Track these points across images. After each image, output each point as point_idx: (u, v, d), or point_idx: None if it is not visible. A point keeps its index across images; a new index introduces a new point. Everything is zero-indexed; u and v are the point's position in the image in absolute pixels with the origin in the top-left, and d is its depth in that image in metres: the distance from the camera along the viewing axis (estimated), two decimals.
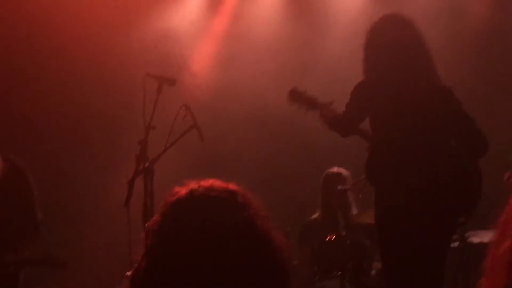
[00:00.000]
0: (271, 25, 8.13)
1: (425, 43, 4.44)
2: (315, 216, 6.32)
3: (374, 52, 4.44)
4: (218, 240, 1.74)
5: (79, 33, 7.75)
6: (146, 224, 1.88)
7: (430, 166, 4.27)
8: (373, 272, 5.56)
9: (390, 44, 4.39)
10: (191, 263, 1.71)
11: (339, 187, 5.93)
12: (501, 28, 7.63)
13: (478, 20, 7.68)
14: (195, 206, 1.79)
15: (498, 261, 0.90)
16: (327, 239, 5.52)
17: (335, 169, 6.28)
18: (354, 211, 6.14)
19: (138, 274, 1.79)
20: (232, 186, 1.85)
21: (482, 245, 5.49)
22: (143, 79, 4.89)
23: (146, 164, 4.85)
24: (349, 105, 4.45)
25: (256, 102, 7.80)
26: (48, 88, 7.74)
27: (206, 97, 7.91)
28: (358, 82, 4.47)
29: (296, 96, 4.85)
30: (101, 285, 6.71)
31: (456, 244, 5.60)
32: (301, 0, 8.16)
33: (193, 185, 1.83)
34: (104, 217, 7.18)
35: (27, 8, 7.62)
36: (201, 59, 8.14)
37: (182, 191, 1.83)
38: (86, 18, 7.73)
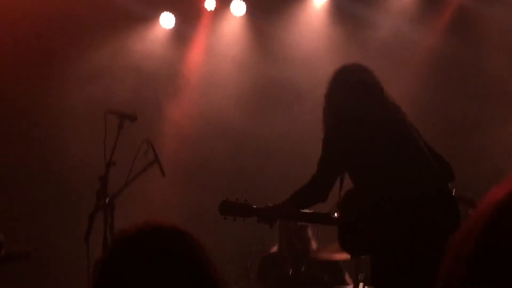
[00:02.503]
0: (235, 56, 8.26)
1: (380, 83, 4.41)
2: (273, 250, 6.34)
3: (340, 98, 4.33)
4: (163, 270, 1.79)
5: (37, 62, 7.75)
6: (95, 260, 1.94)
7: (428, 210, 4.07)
8: None
9: (355, 87, 4.32)
10: None
11: (298, 223, 5.96)
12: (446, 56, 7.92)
13: (425, 49, 7.98)
14: (139, 239, 1.86)
15: None
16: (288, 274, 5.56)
17: None
18: (314, 246, 6.17)
19: None
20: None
21: None
22: (104, 116, 4.93)
23: (107, 199, 4.87)
24: (324, 160, 4.22)
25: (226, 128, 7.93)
26: (7, 121, 7.72)
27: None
28: (328, 132, 4.26)
29: (228, 207, 4.39)
30: None
31: None
32: (263, 32, 8.29)
33: (140, 224, 1.90)
34: (64, 251, 7.14)
35: None
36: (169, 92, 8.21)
37: (129, 229, 1.90)
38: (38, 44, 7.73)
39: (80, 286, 4.82)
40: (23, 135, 7.71)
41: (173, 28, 8.24)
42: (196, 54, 8.30)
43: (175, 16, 8.20)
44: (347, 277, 6.13)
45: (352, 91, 4.32)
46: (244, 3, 8.19)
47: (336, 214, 4.42)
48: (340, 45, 8.11)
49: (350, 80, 4.35)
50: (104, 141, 4.84)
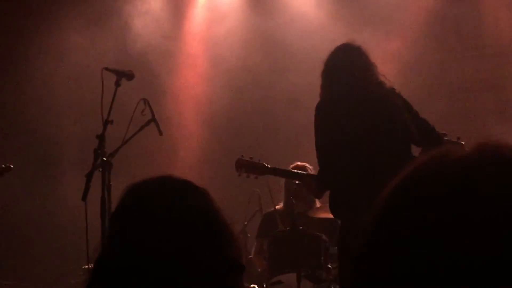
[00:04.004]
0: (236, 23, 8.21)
1: (372, 64, 4.61)
2: (277, 207, 6.34)
3: (328, 79, 4.58)
4: (178, 220, 1.70)
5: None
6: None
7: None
8: (329, 266, 5.60)
9: (341, 69, 4.55)
10: (149, 246, 1.67)
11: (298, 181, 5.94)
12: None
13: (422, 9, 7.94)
14: (153, 188, 1.77)
15: None
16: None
17: (298, 163, 6.30)
18: (318, 205, 6.17)
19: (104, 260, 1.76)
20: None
21: None
22: (101, 73, 4.89)
23: (104, 158, 4.85)
24: (316, 145, 4.50)
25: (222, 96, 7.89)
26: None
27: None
28: (315, 115, 4.53)
29: (243, 164, 4.93)
30: (59, 278, 6.70)
31: None
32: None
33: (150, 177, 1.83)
34: (63, 211, 7.15)
35: None
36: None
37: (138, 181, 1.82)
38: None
39: (80, 245, 4.82)
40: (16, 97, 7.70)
41: None
42: (195, 12, 8.24)
43: None
44: None
45: (337, 75, 4.56)
46: None
47: None
48: (340, 10, 8.07)
49: (338, 64, 4.58)
50: (101, 99, 4.81)
